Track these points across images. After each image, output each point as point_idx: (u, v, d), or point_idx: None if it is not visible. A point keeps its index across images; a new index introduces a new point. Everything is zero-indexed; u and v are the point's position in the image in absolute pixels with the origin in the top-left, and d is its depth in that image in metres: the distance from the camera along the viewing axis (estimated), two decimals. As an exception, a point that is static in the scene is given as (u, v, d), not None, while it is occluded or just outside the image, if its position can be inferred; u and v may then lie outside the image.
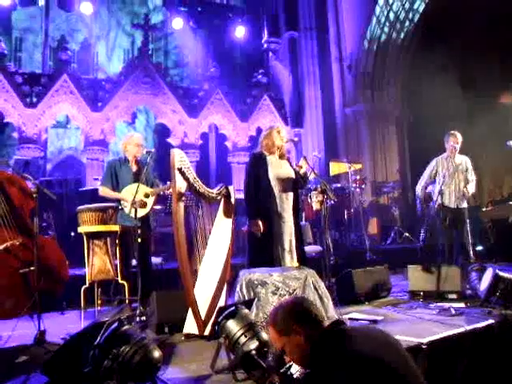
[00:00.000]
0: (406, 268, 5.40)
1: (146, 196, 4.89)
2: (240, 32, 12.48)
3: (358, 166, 9.90)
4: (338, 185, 9.08)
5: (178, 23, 12.00)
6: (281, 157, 4.65)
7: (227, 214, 4.15)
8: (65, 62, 10.39)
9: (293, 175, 4.60)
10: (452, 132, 6.04)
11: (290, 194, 4.57)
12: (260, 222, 4.36)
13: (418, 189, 6.24)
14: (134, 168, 5.01)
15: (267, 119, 12.06)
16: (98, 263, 4.67)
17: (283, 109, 12.39)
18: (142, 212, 4.80)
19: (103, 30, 14.64)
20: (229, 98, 11.75)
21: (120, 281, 4.73)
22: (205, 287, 3.80)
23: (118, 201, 4.89)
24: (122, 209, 4.82)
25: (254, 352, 2.67)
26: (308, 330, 2.03)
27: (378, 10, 11.00)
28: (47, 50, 13.07)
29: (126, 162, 5.04)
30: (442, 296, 4.87)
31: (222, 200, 4.15)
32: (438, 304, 4.62)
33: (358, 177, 8.96)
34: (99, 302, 4.71)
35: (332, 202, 7.27)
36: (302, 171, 4.62)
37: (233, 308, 2.90)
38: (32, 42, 14.17)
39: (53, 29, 13.59)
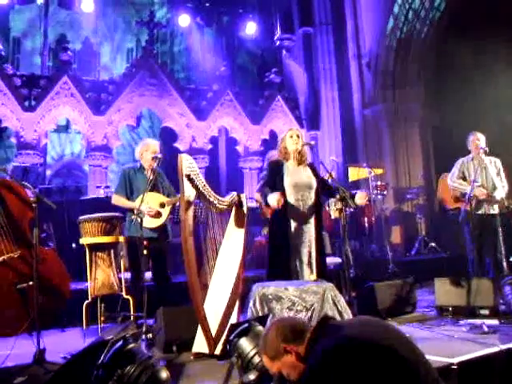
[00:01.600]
0: (432, 281, 5.35)
1: (162, 206, 4.93)
2: (251, 29, 12.52)
3: (379, 171, 9.86)
4: (358, 191, 9.02)
5: (184, 20, 12.08)
6: (300, 163, 4.63)
7: (239, 223, 4.14)
8: (65, 62, 10.49)
9: (314, 182, 4.57)
10: (472, 132, 6.06)
11: (310, 203, 4.54)
12: (277, 195, 4.22)
13: (451, 180, 6.19)
14: (151, 176, 5.03)
15: (280, 121, 12.07)
16: (101, 277, 4.70)
17: (298, 110, 12.39)
18: (156, 222, 4.85)
19: (105, 29, 14.80)
20: (240, 99, 11.78)
21: (125, 296, 4.74)
22: (215, 302, 3.79)
23: (132, 211, 4.90)
24: (136, 219, 4.84)
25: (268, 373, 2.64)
26: (297, 347, 2.08)
27: (399, 0, 10.97)
28: (46, 50, 13.20)
29: (141, 169, 5.10)
30: (473, 312, 4.79)
31: (234, 209, 4.14)
32: (469, 321, 4.56)
33: (379, 182, 8.93)
34: (102, 318, 4.73)
35: (351, 209, 7.25)
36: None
37: (246, 325, 2.89)
38: (31, 43, 14.35)
39: (52, 28, 13.75)
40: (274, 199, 4.22)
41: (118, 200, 5.02)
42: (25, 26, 14.15)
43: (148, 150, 5.07)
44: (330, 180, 4.89)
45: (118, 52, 15.50)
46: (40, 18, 13.23)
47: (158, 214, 4.85)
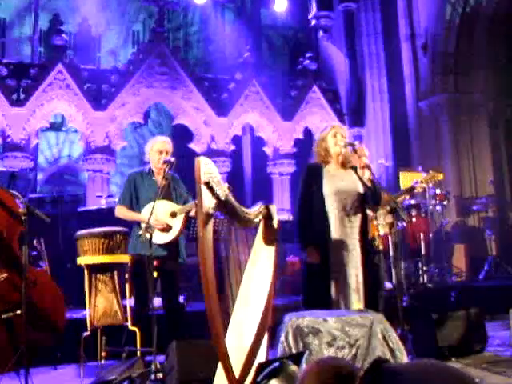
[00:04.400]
0: (506, 313, 5.30)
1: (173, 216, 4.90)
2: (281, 5, 12.57)
3: (438, 177, 9.75)
4: (412, 201, 8.96)
5: (201, -4, 12.20)
6: (343, 166, 4.63)
7: (268, 240, 4.13)
8: (59, 48, 10.68)
9: (360, 189, 4.54)
10: None
11: (357, 214, 4.52)
12: (312, 252, 4.36)
13: None
14: (162, 182, 5.02)
15: (317, 117, 12.07)
16: (103, 304, 4.73)
17: (338, 103, 12.38)
18: (165, 237, 4.84)
19: (107, 8, 15.01)
20: (268, 90, 11.83)
21: (130, 327, 4.77)
22: (239, 335, 3.78)
23: (138, 224, 4.92)
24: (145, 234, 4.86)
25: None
26: None
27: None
28: (37, 33, 13.45)
29: (150, 174, 5.10)
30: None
31: (262, 223, 4.13)
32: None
33: (437, 191, 8.85)
34: (103, 353, 4.77)
35: (404, 224, 7.19)
36: (365, 177, 4.51)
37: (277, 364, 2.88)
38: (19, 26, 14.63)
39: (44, 7, 14.02)
40: (311, 258, 4.39)
41: (121, 211, 5.03)
42: (12, 7, 14.43)
43: (153, 149, 5.06)
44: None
45: (122, 35, 15.69)
46: (29, -3, 13.50)
47: (167, 227, 4.84)
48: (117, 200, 5.43)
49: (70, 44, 13.14)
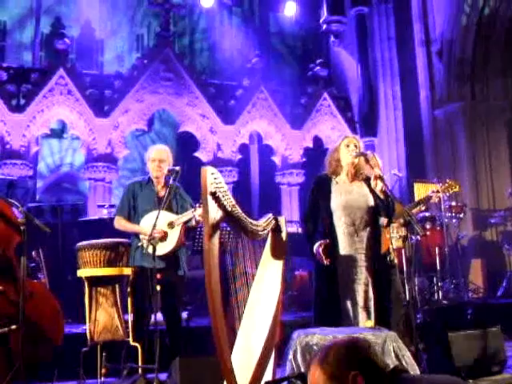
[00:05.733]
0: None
1: (171, 226, 4.91)
2: (290, 9, 12.60)
3: (454, 189, 9.72)
4: (426, 214, 8.94)
5: (207, 0, 12.24)
6: (354, 178, 4.61)
7: (276, 253, 4.13)
8: (61, 52, 10.73)
9: (370, 202, 4.53)
10: None
11: (367, 228, 4.51)
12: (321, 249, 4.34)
13: None
14: (161, 192, 5.03)
15: (328, 125, 12.08)
16: (103, 318, 4.73)
17: (349, 111, 12.39)
18: (163, 248, 4.83)
19: (111, 11, 15.09)
20: (276, 97, 11.86)
21: (132, 343, 4.75)
22: (246, 352, 3.76)
23: (136, 235, 4.93)
24: (142, 245, 4.85)
25: None
26: None
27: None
28: (38, 37, 13.53)
29: (149, 183, 5.13)
30: None
31: (270, 235, 4.13)
32: None
33: (453, 203, 8.84)
34: (103, 370, 4.74)
35: (418, 237, 7.16)
36: (377, 188, 4.49)
37: (284, 383, 2.86)
38: (19, 29, 14.72)
39: (46, 10, 14.10)
40: (319, 257, 4.34)
41: (120, 223, 5.07)
42: (12, 7, 14.51)
43: (149, 158, 5.11)
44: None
45: (126, 40, 15.77)
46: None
47: (164, 236, 4.85)
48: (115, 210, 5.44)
49: (72, 48, 13.20)
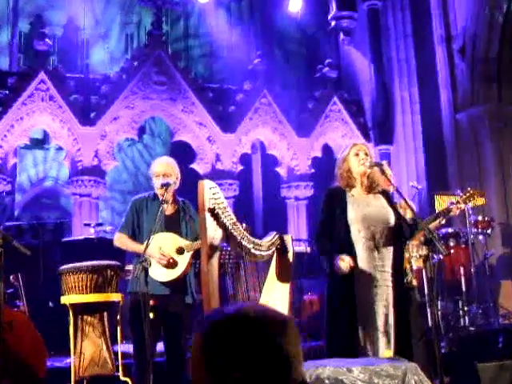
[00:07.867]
0: None
1: (180, 252, 4.85)
2: (295, 5, 12.64)
3: (480, 201, 9.70)
4: (450, 230, 8.91)
5: (204, -4, 12.30)
6: (370, 189, 4.61)
7: (282, 275, 4.12)
8: (42, 54, 10.77)
9: (391, 216, 4.52)
10: None
11: (388, 245, 4.49)
12: (344, 257, 4.32)
13: None
14: (169, 209, 5.01)
15: (338, 132, 12.09)
16: (90, 350, 4.71)
17: (362, 116, 12.40)
18: (170, 274, 4.80)
19: (97, 8, 15.16)
20: (281, 102, 11.89)
21: (122, 377, 4.73)
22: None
23: (138, 256, 4.88)
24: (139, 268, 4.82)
25: None
26: None
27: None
28: (16, 37, 13.57)
29: (155, 200, 5.06)
30: None
31: (275, 255, 4.12)
32: None
33: (479, 217, 8.80)
34: (91, 409, 4.73)
35: (441, 256, 7.13)
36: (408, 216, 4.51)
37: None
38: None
39: (24, 6, 14.15)
40: (344, 265, 4.27)
41: (121, 240, 5.03)
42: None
43: (152, 174, 5.08)
44: (408, 215, 4.82)
45: (114, 40, 15.82)
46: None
47: (172, 263, 4.80)
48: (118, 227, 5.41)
49: (54, 49, 13.25)
